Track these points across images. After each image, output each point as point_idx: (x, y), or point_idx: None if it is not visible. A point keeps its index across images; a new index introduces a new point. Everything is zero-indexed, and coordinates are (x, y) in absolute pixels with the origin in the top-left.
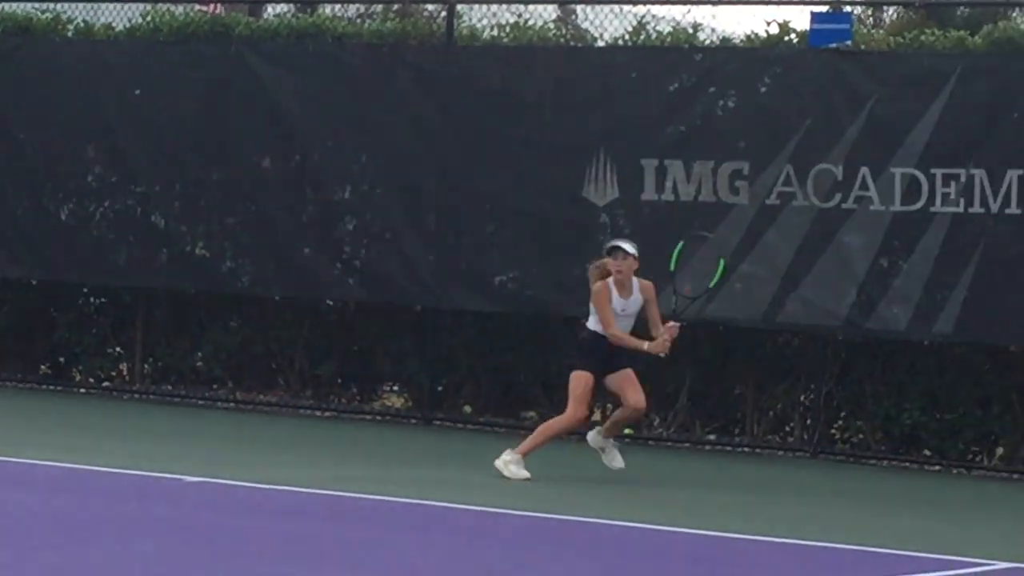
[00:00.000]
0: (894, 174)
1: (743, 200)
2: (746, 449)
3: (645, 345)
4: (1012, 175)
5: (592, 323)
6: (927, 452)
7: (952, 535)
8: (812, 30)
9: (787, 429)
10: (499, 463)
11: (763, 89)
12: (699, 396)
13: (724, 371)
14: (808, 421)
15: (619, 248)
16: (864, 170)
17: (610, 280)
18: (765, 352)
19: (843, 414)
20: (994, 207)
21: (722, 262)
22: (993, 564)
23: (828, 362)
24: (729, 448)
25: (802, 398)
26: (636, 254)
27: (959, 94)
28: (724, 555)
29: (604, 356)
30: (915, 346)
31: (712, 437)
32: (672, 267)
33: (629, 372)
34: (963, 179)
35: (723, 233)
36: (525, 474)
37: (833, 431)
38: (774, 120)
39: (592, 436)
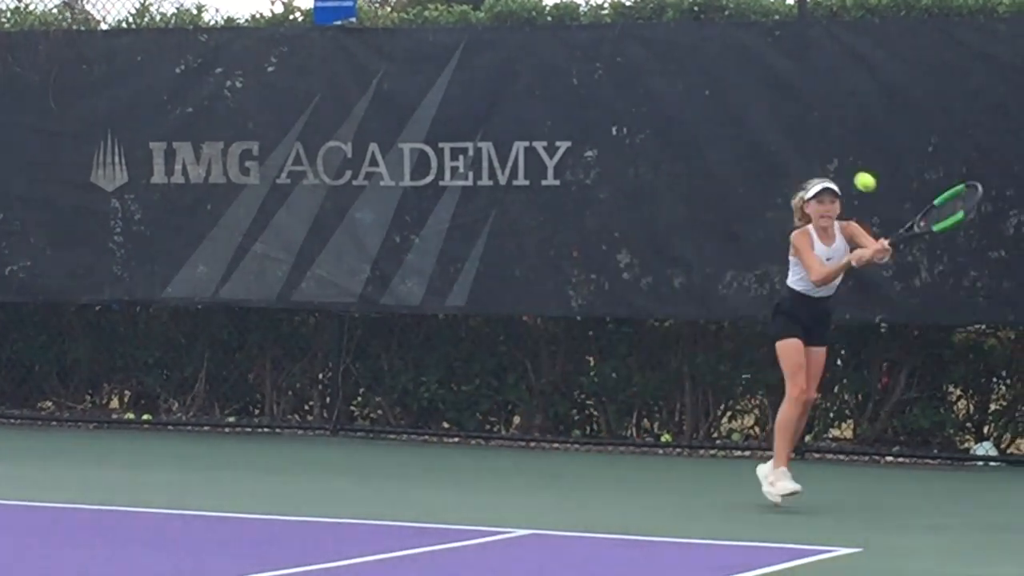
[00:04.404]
0: (403, 149)
1: (254, 180)
2: (266, 430)
3: (855, 257)
4: (518, 147)
5: (794, 280)
6: (445, 424)
7: (472, 505)
8: (316, 8)
9: (307, 408)
10: (770, 489)
11: (270, 68)
12: (217, 378)
13: (241, 352)
14: (327, 399)
15: (829, 190)
16: (373, 146)
17: (810, 226)
18: (281, 332)
19: (361, 390)
20: (502, 179)
21: (961, 215)
22: (512, 531)
23: (345, 339)
24: (249, 429)
25: (320, 376)
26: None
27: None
28: (245, 535)
29: (808, 323)
30: (430, 319)
31: (232, 419)
32: (938, 201)
33: (821, 357)
34: (471, 152)
35: (234, 214)
36: (794, 486)
37: (352, 408)
38: (282, 99)
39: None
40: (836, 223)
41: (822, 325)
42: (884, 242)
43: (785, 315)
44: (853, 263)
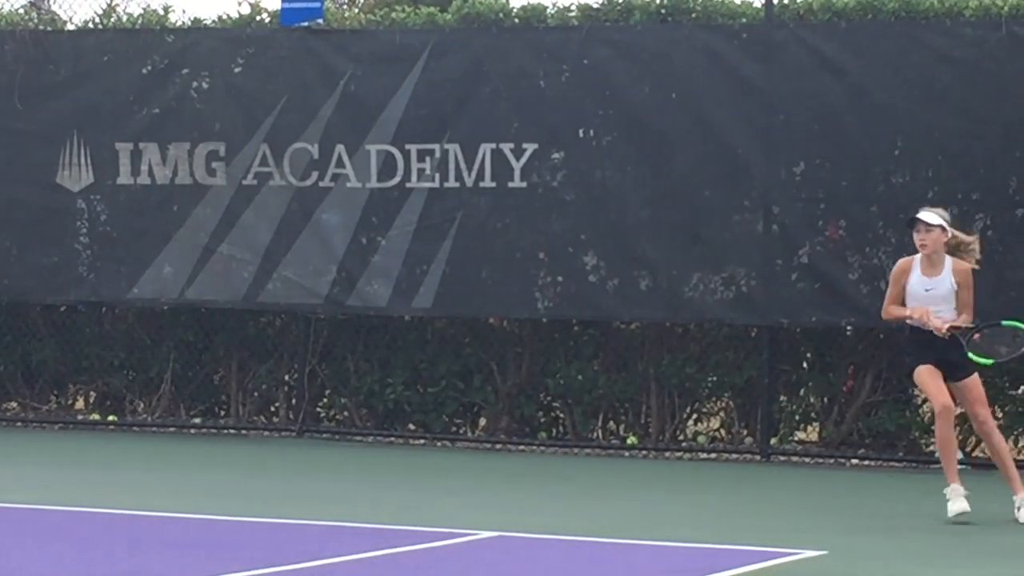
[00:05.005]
0: (369, 151)
1: (220, 181)
2: (232, 431)
3: (915, 311)
4: (485, 149)
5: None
6: (411, 426)
7: (438, 507)
8: (283, 9)
9: (272, 409)
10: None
11: (236, 70)
12: (183, 380)
13: (207, 354)
14: (293, 400)
15: (918, 220)
16: (340, 148)
17: (917, 256)
18: (247, 333)
19: (327, 392)
20: (469, 181)
21: (991, 361)
22: (478, 533)
23: (311, 341)
24: (215, 431)
25: (286, 378)
26: (946, 224)
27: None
28: (211, 536)
29: (932, 353)
30: (396, 321)
31: (197, 420)
32: (1006, 323)
33: (967, 387)
34: (438, 154)
35: (200, 215)
36: (960, 507)
37: (318, 409)
38: (249, 100)
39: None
40: (950, 259)
41: (949, 357)
42: (946, 325)
43: (909, 354)
44: (913, 315)
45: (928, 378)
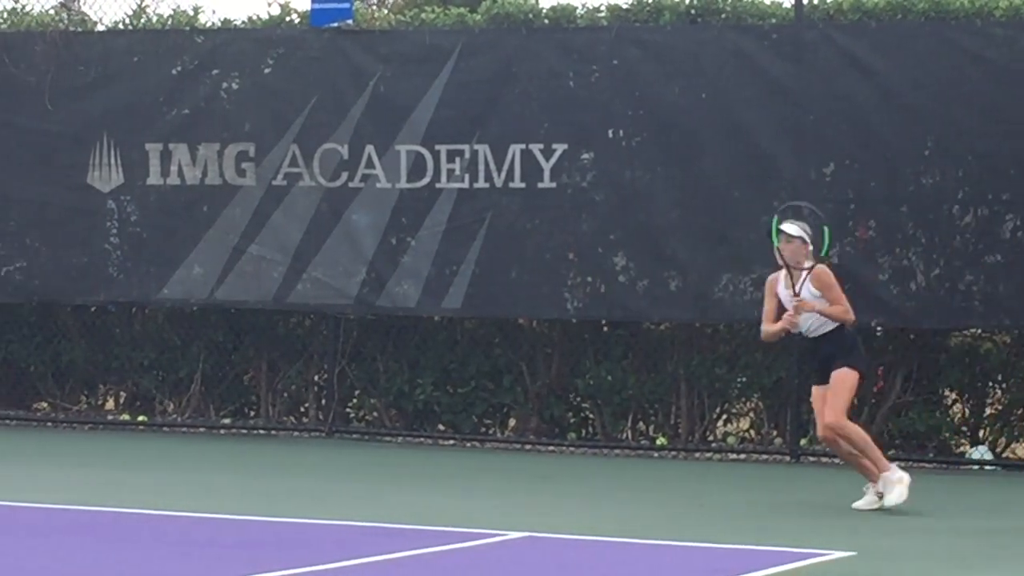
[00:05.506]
0: (399, 151)
1: (250, 182)
2: (262, 431)
3: (779, 325)
4: (515, 149)
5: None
6: (441, 427)
7: (468, 507)
8: (313, 10)
9: (302, 410)
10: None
11: (266, 70)
12: (212, 380)
13: (237, 354)
14: (323, 401)
15: (781, 231)
16: (370, 148)
17: (783, 271)
18: (277, 333)
19: (357, 392)
20: (498, 182)
21: (826, 229)
22: (508, 534)
23: (340, 341)
24: (245, 431)
25: (316, 378)
26: (806, 237)
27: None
28: (240, 537)
29: (819, 357)
30: (426, 322)
31: (227, 421)
32: (825, 252)
33: (833, 382)
34: (467, 155)
35: (230, 215)
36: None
37: (348, 410)
38: (278, 101)
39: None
40: (805, 270)
41: (824, 357)
42: (790, 311)
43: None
44: (787, 327)
45: (817, 404)
